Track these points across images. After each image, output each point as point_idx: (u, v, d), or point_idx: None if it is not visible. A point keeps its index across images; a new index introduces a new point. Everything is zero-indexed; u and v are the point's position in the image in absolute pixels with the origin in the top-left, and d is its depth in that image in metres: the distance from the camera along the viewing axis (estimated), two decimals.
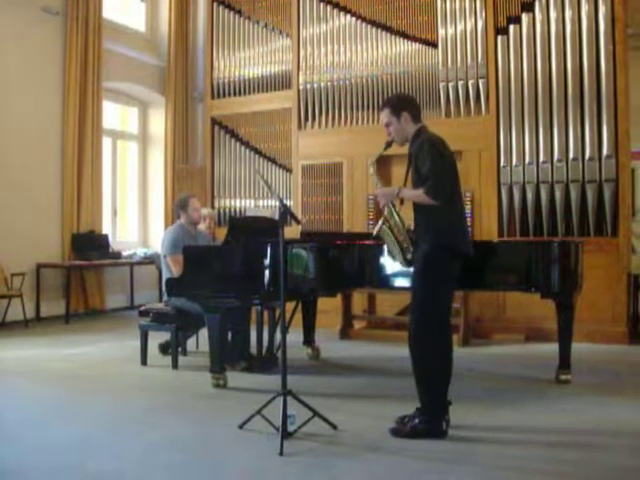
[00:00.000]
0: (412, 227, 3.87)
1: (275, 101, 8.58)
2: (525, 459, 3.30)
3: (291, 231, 6.30)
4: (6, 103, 7.93)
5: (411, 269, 3.84)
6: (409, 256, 3.81)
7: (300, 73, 8.35)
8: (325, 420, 3.73)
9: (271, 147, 8.69)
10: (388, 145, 3.96)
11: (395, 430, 3.68)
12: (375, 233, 3.91)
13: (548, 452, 3.39)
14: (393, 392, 4.65)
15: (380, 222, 3.88)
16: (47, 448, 3.54)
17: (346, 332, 7.07)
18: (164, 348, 5.94)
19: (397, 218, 3.84)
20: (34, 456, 3.42)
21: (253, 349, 5.55)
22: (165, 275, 5.63)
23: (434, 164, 3.63)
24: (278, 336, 4.88)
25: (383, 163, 7.28)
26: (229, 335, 5.37)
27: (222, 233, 5.76)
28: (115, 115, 10.13)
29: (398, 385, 4.76)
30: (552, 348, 5.10)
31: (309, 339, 6.03)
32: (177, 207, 5.88)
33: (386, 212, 3.87)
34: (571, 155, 6.79)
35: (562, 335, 4.88)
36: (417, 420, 3.65)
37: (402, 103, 3.92)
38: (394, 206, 3.86)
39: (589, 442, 3.56)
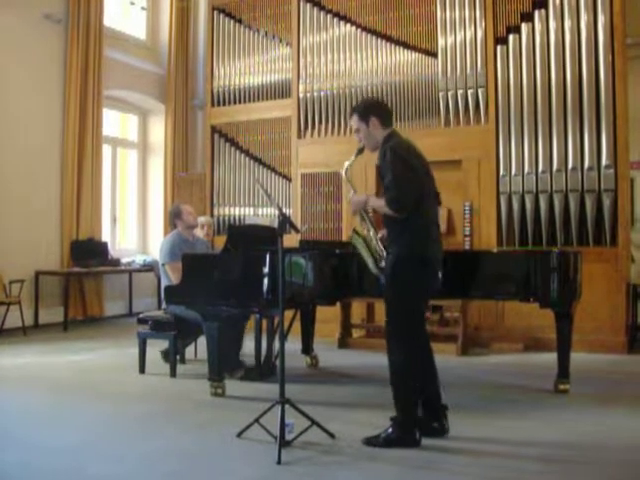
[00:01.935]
0: (385, 234, 3.86)
1: (275, 109, 8.59)
2: (520, 471, 3.28)
3: (290, 239, 6.29)
4: (6, 110, 7.94)
5: None
6: (382, 264, 3.77)
7: (300, 82, 8.37)
8: (323, 429, 3.72)
9: (271, 155, 8.69)
10: (359, 152, 3.91)
11: (368, 440, 3.66)
12: (348, 240, 3.91)
13: (543, 465, 3.37)
14: (391, 401, 4.62)
15: (352, 230, 3.88)
16: (47, 452, 3.55)
17: (345, 341, 7.06)
18: (166, 355, 5.91)
19: (369, 225, 3.82)
20: (34, 459, 3.43)
21: (248, 357, 5.55)
22: (164, 283, 5.63)
23: (395, 175, 3.56)
24: (277, 344, 4.87)
25: None
26: None
27: (221, 241, 5.77)
28: (115, 123, 10.16)
29: None
30: (551, 357, 5.08)
31: (308, 348, 6.02)
32: (172, 217, 5.91)
33: (358, 220, 3.86)
34: (570, 165, 6.80)
35: (561, 344, 4.87)
36: (390, 430, 3.64)
37: (370, 108, 3.85)
38: (367, 213, 3.84)
39: (585, 454, 3.54)
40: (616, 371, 5.77)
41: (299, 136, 8.39)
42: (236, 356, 5.49)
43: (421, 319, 3.80)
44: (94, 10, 8.77)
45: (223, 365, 4.96)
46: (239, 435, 3.75)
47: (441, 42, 7.53)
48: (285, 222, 3.80)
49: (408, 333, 3.66)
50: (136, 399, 4.75)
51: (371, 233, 3.83)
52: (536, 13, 7.05)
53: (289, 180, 8.50)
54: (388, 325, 3.72)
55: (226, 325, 4.97)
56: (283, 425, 3.53)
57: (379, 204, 3.68)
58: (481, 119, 7.30)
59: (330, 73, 8.19)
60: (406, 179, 3.58)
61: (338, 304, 6.71)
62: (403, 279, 3.64)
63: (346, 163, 3.99)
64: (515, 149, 7.07)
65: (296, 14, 8.42)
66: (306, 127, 8.35)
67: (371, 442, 3.63)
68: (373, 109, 3.84)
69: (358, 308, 7.39)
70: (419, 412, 3.73)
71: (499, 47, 7.21)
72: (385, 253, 3.77)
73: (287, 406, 3.65)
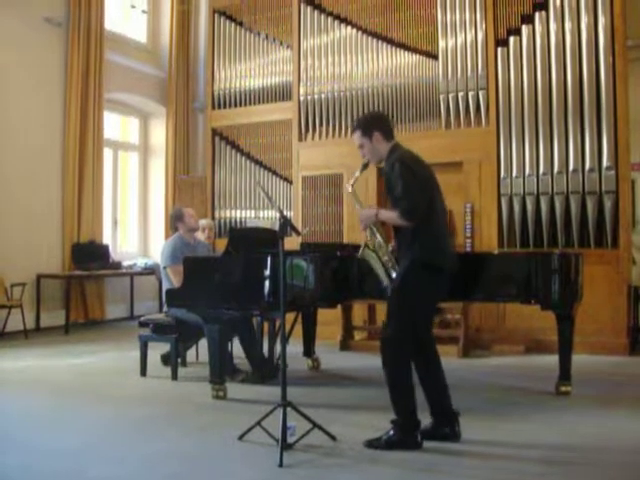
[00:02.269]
0: (395, 246, 3.84)
1: (276, 112, 8.60)
2: (522, 473, 3.27)
3: (291, 242, 6.30)
4: (7, 113, 7.95)
5: None
6: (394, 275, 3.76)
7: (300, 84, 8.37)
8: (325, 432, 3.72)
9: (271, 158, 8.70)
10: (365, 167, 3.91)
11: (370, 442, 3.65)
12: (359, 256, 3.89)
13: (545, 467, 3.37)
14: None
15: (362, 245, 3.87)
16: (48, 455, 3.55)
17: (346, 343, 7.05)
18: (166, 359, 5.93)
19: (380, 239, 3.81)
20: (35, 462, 3.44)
21: (241, 359, 5.57)
22: (165, 286, 5.64)
23: (406, 185, 3.56)
24: (278, 347, 4.87)
25: None
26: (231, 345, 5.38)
27: (222, 244, 5.77)
28: (116, 126, 10.17)
29: None
30: (552, 359, 5.08)
31: (309, 350, 6.02)
32: (173, 220, 5.91)
33: (368, 234, 3.85)
34: (571, 166, 6.80)
35: (562, 346, 4.87)
36: (392, 432, 3.63)
37: (372, 123, 3.83)
38: (376, 227, 3.82)
39: (587, 456, 3.53)
40: (617, 373, 5.77)
41: (300, 139, 8.39)
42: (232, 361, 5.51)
43: (423, 328, 3.80)
44: (95, 13, 8.79)
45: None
46: (240, 438, 3.74)
47: (442, 44, 7.53)
48: (286, 225, 3.80)
49: (409, 342, 3.66)
50: (137, 402, 4.74)
51: (382, 247, 3.81)
52: (536, 15, 7.06)
53: (290, 183, 8.51)
54: (386, 329, 3.71)
55: (235, 326, 5.00)
56: (285, 428, 3.52)
57: (389, 216, 3.69)
58: (482, 121, 7.30)
59: (331, 75, 8.20)
60: (417, 189, 3.59)
61: (339, 306, 6.71)
62: (411, 289, 3.63)
63: (351, 179, 3.99)
64: (516, 151, 7.07)
65: (297, 17, 8.43)
66: (307, 130, 8.36)
67: (372, 444, 3.63)
68: (375, 124, 3.83)
69: (359, 310, 7.39)
70: (428, 417, 3.73)
71: (500, 49, 7.22)
72: (397, 265, 3.75)
73: (289, 409, 3.64)
